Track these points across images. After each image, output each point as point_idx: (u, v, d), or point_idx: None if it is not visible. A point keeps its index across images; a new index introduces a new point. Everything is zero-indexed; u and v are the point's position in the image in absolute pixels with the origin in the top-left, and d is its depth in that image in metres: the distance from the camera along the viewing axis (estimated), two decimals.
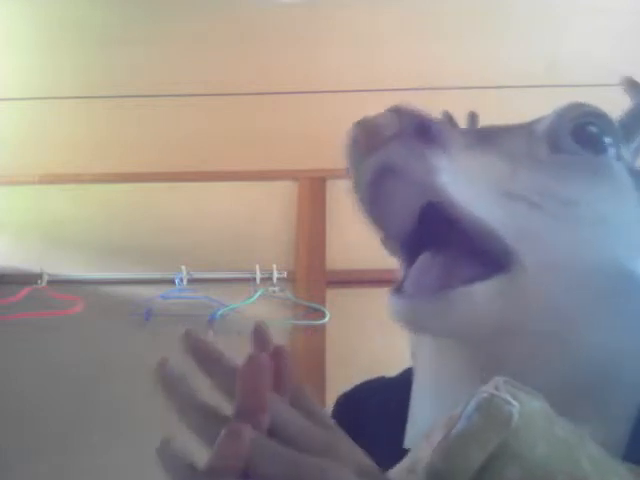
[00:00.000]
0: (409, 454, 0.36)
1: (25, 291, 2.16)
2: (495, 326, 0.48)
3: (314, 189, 2.44)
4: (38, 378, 2.07)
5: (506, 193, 0.49)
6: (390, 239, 0.55)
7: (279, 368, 0.41)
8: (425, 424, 0.41)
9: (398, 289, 0.50)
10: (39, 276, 2.22)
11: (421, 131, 0.47)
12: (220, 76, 2.18)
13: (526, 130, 0.54)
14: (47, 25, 2.03)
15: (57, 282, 2.23)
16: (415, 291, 0.49)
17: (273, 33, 2.05)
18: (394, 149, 0.47)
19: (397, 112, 0.48)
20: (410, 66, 2.11)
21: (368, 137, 0.49)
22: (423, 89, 2.09)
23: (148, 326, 2.13)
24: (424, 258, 0.52)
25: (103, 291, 2.24)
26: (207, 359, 0.43)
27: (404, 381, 0.60)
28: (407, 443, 0.54)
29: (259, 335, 0.44)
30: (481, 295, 0.47)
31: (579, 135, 0.52)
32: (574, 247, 0.49)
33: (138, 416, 1.87)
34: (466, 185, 0.48)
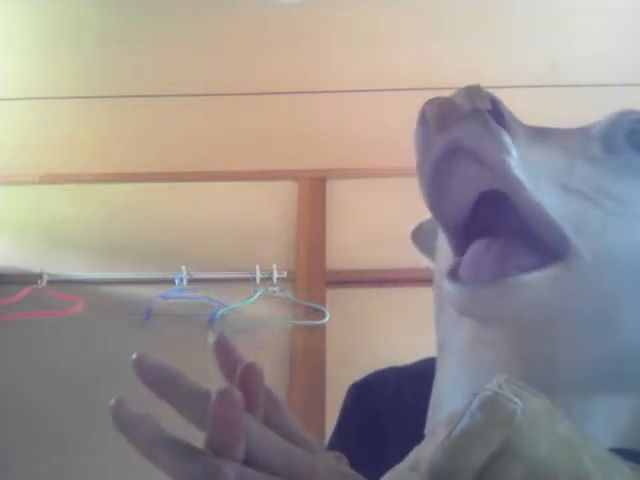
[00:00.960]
0: (412, 452, 0.36)
1: (25, 291, 2.16)
2: (546, 314, 0.49)
3: (314, 189, 2.44)
4: (38, 378, 2.07)
5: (564, 186, 0.49)
6: (443, 221, 0.54)
7: (250, 386, 0.40)
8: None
9: (453, 274, 0.50)
10: (39, 276, 2.22)
11: (494, 113, 0.47)
12: (220, 76, 2.18)
13: (581, 131, 0.55)
14: (47, 25, 2.03)
15: (57, 282, 2.22)
16: (473, 278, 0.49)
17: (273, 33, 2.05)
18: (467, 128, 0.47)
19: (472, 91, 0.48)
20: (410, 66, 2.11)
21: (441, 114, 0.48)
22: (423, 89, 2.09)
23: (148, 326, 2.13)
24: (480, 245, 0.51)
25: (103, 291, 2.24)
26: (167, 386, 0.42)
27: (416, 371, 0.60)
28: (428, 430, 0.54)
29: (222, 349, 0.43)
30: (539, 284, 0.47)
31: (633, 139, 0.53)
32: (626, 242, 0.50)
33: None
34: (528, 174, 0.48)
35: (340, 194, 2.43)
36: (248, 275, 2.22)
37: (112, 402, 0.42)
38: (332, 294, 2.22)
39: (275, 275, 2.22)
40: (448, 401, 0.54)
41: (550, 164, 0.50)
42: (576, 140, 0.53)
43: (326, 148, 2.35)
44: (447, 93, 0.47)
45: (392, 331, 2.02)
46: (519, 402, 0.34)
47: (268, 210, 2.42)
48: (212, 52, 2.10)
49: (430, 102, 0.50)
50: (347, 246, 2.30)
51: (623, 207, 0.50)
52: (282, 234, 2.36)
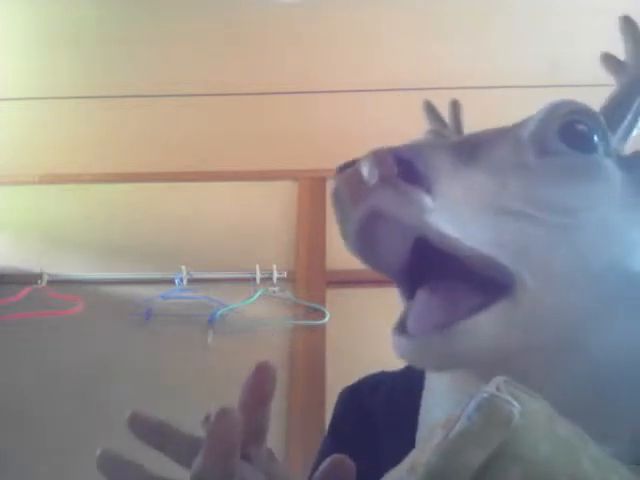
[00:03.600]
0: (409, 454, 0.36)
1: (25, 291, 2.16)
2: (505, 351, 0.47)
3: (314, 189, 2.44)
4: (38, 378, 2.07)
5: (497, 209, 0.47)
6: (387, 275, 0.54)
7: (257, 423, 0.42)
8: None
9: (401, 328, 0.49)
10: (39, 276, 2.22)
11: (404, 170, 0.46)
12: (220, 76, 2.18)
13: (511, 135, 0.52)
14: (47, 25, 2.03)
15: (57, 282, 2.23)
16: (419, 330, 0.48)
17: (273, 33, 2.05)
18: (380, 195, 0.46)
19: (377, 157, 0.46)
20: (410, 66, 2.11)
21: (351, 187, 0.48)
22: (423, 89, 2.09)
23: (148, 326, 2.13)
24: (423, 293, 0.50)
25: (103, 291, 2.25)
26: (157, 436, 0.45)
27: (408, 375, 0.60)
28: (420, 436, 0.54)
29: (263, 377, 0.45)
30: (486, 324, 0.46)
31: (566, 135, 0.51)
32: (577, 255, 0.48)
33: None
34: (456, 214, 0.46)
35: None
36: (248, 275, 2.22)
37: (97, 452, 0.45)
38: (332, 294, 2.22)
39: (275, 275, 2.22)
40: (439, 407, 0.54)
41: (480, 190, 0.48)
42: (508, 150, 0.50)
43: (326, 148, 2.34)
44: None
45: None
46: (516, 404, 0.33)
47: (268, 210, 2.42)
48: (212, 52, 2.10)
49: (339, 175, 0.49)
50: None
51: (566, 217, 0.48)
52: (282, 234, 2.36)
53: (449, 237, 0.45)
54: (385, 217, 0.47)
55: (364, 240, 0.50)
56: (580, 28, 1.97)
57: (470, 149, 0.50)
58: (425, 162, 0.47)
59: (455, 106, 0.70)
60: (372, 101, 2.18)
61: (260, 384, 0.44)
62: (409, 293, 0.52)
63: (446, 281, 0.49)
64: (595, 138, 0.51)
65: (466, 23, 1.99)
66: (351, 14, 1.97)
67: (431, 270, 0.51)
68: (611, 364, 0.48)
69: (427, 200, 0.45)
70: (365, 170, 0.47)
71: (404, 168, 0.46)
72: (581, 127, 0.51)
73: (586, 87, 2.01)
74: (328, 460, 0.43)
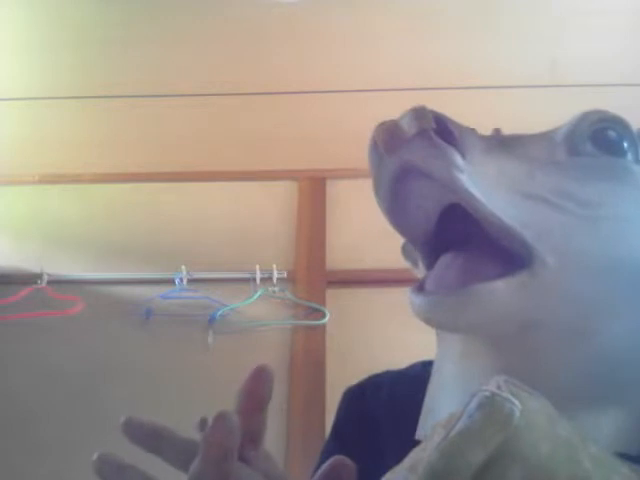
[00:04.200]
0: (411, 453, 0.36)
1: (25, 291, 2.16)
2: (518, 322, 0.48)
3: (314, 189, 2.44)
4: (38, 378, 2.07)
5: (525, 194, 0.49)
6: (411, 240, 0.55)
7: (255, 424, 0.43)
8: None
9: (419, 288, 0.51)
10: (39, 276, 2.22)
11: (442, 131, 0.48)
12: (220, 76, 2.18)
13: (545, 137, 0.54)
14: (47, 25, 2.03)
15: (57, 282, 2.23)
16: (436, 288, 0.49)
17: (273, 33, 2.05)
18: (414, 149, 0.48)
19: (418, 112, 0.48)
20: (410, 66, 2.11)
21: (388, 138, 0.49)
22: (423, 89, 2.09)
23: (148, 326, 2.13)
24: (445, 258, 0.52)
25: (103, 291, 2.25)
26: (154, 440, 0.45)
27: (411, 375, 0.61)
28: (419, 435, 0.54)
29: (260, 379, 0.45)
30: (502, 291, 0.47)
31: (598, 140, 0.53)
32: (594, 244, 0.49)
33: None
34: (485, 186, 0.48)
35: (340, 194, 2.43)
36: (248, 275, 2.22)
37: (94, 457, 0.45)
38: (332, 294, 2.22)
39: (275, 275, 2.22)
40: (439, 407, 0.54)
41: (510, 173, 0.50)
42: (540, 147, 0.53)
43: (326, 148, 2.35)
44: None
45: (392, 331, 2.02)
46: (517, 403, 0.34)
47: (268, 210, 2.42)
48: (212, 52, 2.10)
49: (379, 126, 0.50)
50: (347, 246, 2.30)
51: (589, 210, 0.49)
52: (282, 234, 2.36)
53: (477, 199, 0.47)
54: (419, 173, 0.48)
55: (396, 197, 0.51)
56: (580, 28, 1.98)
57: (503, 142, 0.53)
58: (461, 132, 0.49)
59: (497, 133, 0.72)
60: (372, 101, 2.18)
61: (257, 388, 0.45)
62: (431, 262, 0.53)
63: (468, 249, 0.51)
64: (625, 144, 0.53)
65: (466, 23, 1.99)
66: (350, 14, 1.97)
67: (455, 239, 0.52)
68: (624, 356, 0.49)
69: (459, 160, 0.47)
70: (405, 122, 0.48)
71: (442, 128, 0.48)
72: (611, 133, 0.53)
73: (586, 87, 2.02)
74: (328, 462, 0.43)
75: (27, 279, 2.22)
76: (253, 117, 2.28)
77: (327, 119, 2.29)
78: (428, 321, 0.49)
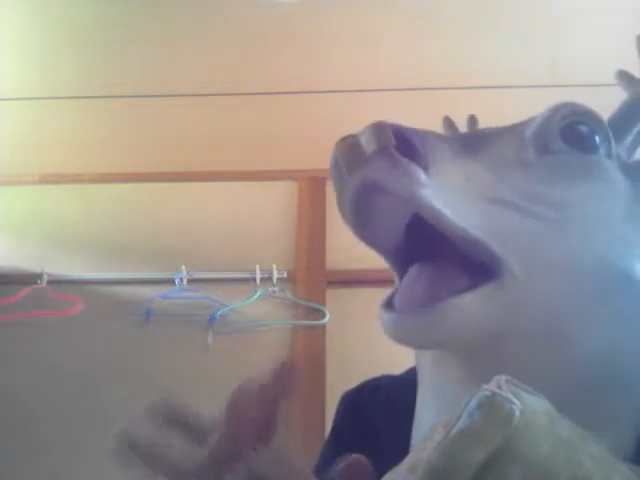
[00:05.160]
0: (411, 453, 0.36)
1: (25, 291, 2.16)
2: (487, 334, 0.47)
3: (314, 189, 2.44)
4: (38, 378, 2.07)
5: (492, 200, 0.48)
6: (380, 252, 0.55)
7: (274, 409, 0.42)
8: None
9: (388, 304, 0.50)
10: (39, 276, 2.22)
11: (402, 145, 0.47)
12: (220, 76, 2.18)
13: (514, 134, 0.53)
14: (47, 25, 2.03)
15: (57, 282, 2.22)
16: (404, 305, 0.49)
17: (273, 33, 2.05)
18: (375, 166, 0.47)
19: (377, 128, 0.47)
20: (410, 66, 2.11)
21: (349, 155, 0.48)
22: (423, 89, 2.09)
23: (148, 326, 2.13)
24: (412, 271, 0.51)
25: (103, 291, 2.24)
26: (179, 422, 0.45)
27: (409, 379, 0.60)
28: (413, 445, 0.54)
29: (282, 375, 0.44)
30: (470, 305, 0.46)
31: (568, 135, 0.52)
32: (566, 249, 0.48)
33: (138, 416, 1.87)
34: (450, 196, 0.47)
35: None
36: (248, 275, 2.22)
37: (119, 433, 0.44)
38: (332, 294, 2.22)
39: (275, 275, 2.22)
40: (423, 416, 0.54)
41: (477, 179, 0.49)
42: (509, 145, 0.52)
43: (326, 148, 2.33)
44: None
45: None
46: (518, 402, 0.33)
47: (268, 210, 2.42)
48: (212, 52, 2.10)
49: (339, 143, 0.50)
50: (347, 246, 2.28)
51: (559, 212, 0.48)
52: (282, 234, 2.36)
53: (440, 212, 0.46)
54: (380, 190, 0.47)
55: (360, 213, 0.50)
56: (580, 28, 1.98)
57: (471, 143, 0.52)
58: (424, 143, 0.48)
59: (473, 121, 0.70)
60: (372, 101, 2.17)
61: (287, 381, 0.44)
62: (401, 273, 0.53)
63: (435, 261, 0.50)
64: (596, 139, 0.52)
65: (466, 23, 1.99)
66: (351, 14, 1.97)
67: (421, 251, 0.51)
68: (598, 362, 0.48)
69: (421, 174, 0.46)
70: (364, 139, 0.47)
71: (402, 142, 0.47)
72: (582, 128, 0.52)
73: (586, 87, 2.02)
74: (344, 460, 0.42)
75: (27, 279, 2.22)
76: (253, 117, 2.28)
77: (327, 119, 2.28)
78: (397, 340, 0.49)
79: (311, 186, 2.45)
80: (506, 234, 0.47)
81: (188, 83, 2.19)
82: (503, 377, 0.35)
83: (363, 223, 0.51)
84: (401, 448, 0.43)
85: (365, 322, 2.12)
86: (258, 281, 2.21)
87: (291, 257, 2.32)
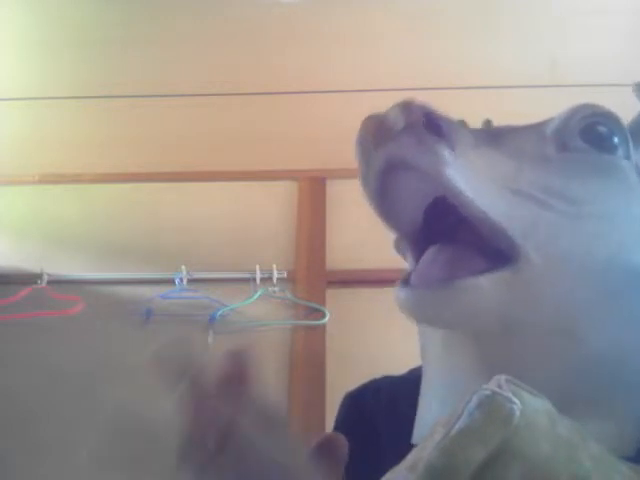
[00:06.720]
0: (411, 453, 0.36)
1: (25, 291, 2.16)
2: (501, 320, 0.48)
3: (314, 189, 2.44)
4: (38, 378, 2.06)
5: (513, 190, 0.49)
6: (398, 233, 0.55)
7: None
8: (434, 420, 0.41)
9: (405, 281, 0.50)
10: (39, 276, 2.22)
11: (430, 125, 0.47)
12: (220, 76, 2.18)
13: (535, 130, 0.54)
14: (47, 25, 2.03)
15: (57, 282, 2.22)
16: (421, 282, 0.49)
17: (273, 33, 2.05)
18: (402, 142, 0.47)
19: (406, 106, 0.48)
20: (410, 66, 2.11)
21: (377, 131, 0.49)
22: (423, 89, 2.08)
23: (148, 326, 2.13)
24: (431, 252, 0.52)
25: (103, 291, 2.24)
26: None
27: (411, 380, 0.60)
28: (415, 439, 0.54)
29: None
30: (487, 287, 0.47)
31: (587, 134, 0.52)
32: (581, 243, 0.49)
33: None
34: (473, 179, 0.48)
35: (340, 194, 2.42)
36: (248, 275, 2.22)
37: (156, 348, 0.41)
38: (332, 294, 2.22)
39: (275, 275, 2.22)
40: (427, 408, 0.54)
41: (498, 169, 0.50)
42: (529, 140, 0.52)
43: (326, 148, 2.35)
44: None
45: (392, 331, 2.01)
46: (518, 402, 0.33)
47: (268, 210, 2.42)
48: (212, 52, 2.10)
49: (366, 120, 0.50)
50: (347, 246, 2.30)
51: (576, 208, 0.49)
52: (282, 234, 2.36)
53: (464, 193, 0.47)
54: (407, 166, 0.48)
55: (384, 189, 0.51)
56: (580, 28, 1.98)
57: (493, 136, 0.52)
58: (450, 126, 0.49)
59: (488, 125, 0.71)
60: (372, 101, 2.17)
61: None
62: (418, 255, 0.53)
63: (454, 243, 0.50)
64: (615, 140, 0.53)
65: (466, 23, 1.99)
66: (350, 14, 1.97)
67: (441, 233, 0.52)
68: (606, 359, 0.49)
69: (448, 154, 0.47)
70: (392, 116, 0.48)
71: (430, 121, 0.48)
72: (602, 128, 0.53)
73: (586, 87, 2.02)
74: (323, 435, 0.42)
75: (27, 279, 2.22)
76: (253, 117, 2.28)
77: (327, 119, 2.28)
78: (411, 315, 0.49)
79: (311, 186, 2.45)
80: (525, 224, 0.48)
81: (188, 83, 2.19)
82: (503, 376, 0.35)
83: (386, 200, 0.52)
84: (402, 448, 0.43)
85: (365, 322, 2.13)
86: (258, 281, 2.21)
87: (291, 257, 2.32)
